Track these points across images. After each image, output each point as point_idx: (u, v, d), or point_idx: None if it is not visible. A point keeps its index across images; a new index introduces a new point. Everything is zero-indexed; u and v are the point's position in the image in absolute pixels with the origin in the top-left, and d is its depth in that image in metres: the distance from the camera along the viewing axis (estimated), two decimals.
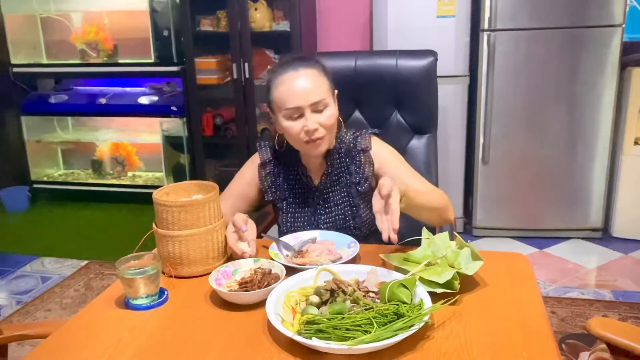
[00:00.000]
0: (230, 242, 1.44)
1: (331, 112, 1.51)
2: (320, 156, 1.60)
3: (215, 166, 4.01)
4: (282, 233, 1.67)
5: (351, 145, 1.62)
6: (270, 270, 1.35)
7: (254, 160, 1.69)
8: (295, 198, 1.67)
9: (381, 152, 1.62)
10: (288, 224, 1.66)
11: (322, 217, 1.64)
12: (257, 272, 1.34)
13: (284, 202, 1.67)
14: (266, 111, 3.77)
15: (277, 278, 1.31)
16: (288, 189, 1.66)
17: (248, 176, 1.68)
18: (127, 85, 4.23)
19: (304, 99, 1.47)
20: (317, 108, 1.49)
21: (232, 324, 1.20)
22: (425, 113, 1.94)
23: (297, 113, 1.49)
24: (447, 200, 1.57)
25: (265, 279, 1.30)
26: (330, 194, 1.64)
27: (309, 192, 1.66)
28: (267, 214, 1.88)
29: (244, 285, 1.30)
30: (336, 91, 1.57)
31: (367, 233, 1.66)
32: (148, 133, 4.19)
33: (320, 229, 1.63)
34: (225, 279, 1.35)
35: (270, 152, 1.67)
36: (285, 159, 1.66)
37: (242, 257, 1.42)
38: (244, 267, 1.39)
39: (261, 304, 1.21)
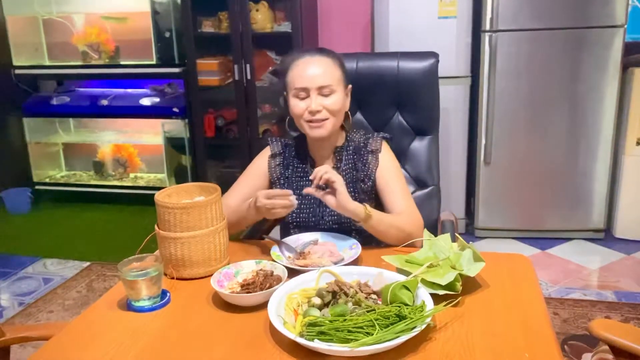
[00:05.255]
0: (278, 204, 1.48)
1: (336, 99, 1.60)
2: (327, 146, 1.68)
3: (217, 167, 4.02)
4: (286, 224, 1.71)
5: (361, 144, 1.69)
6: (272, 272, 1.35)
7: (265, 153, 1.76)
8: (302, 190, 1.67)
9: (386, 158, 1.68)
10: (293, 214, 1.68)
11: (327, 210, 1.66)
12: (259, 274, 1.34)
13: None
14: (267, 112, 3.81)
15: (279, 280, 1.31)
16: (295, 181, 1.71)
17: (259, 168, 1.74)
18: (128, 87, 4.23)
19: (312, 81, 1.57)
20: (323, 92, 1.58)
21: (234, 326, 1.21)
22: (426, 114, 1.94)
23: (304, 93, 1.58)
24: (420, 227, 1.55)
25: (267, 281, 1.30)
26: None
27: None
28: None
29: (246, 287, 1.30)
30: (350, 86, 1.67)
31: None
32: (150, 134, 4.19)
33: (325, 221, 1.65)
34: (227, 280, 1.35)
35: (281, 146, 1.75)
36: (295, 152, 1.73)
37: (291, 208, 1.48)
38: (246, 269, 1.39)
39: (263, 305, 1.21)
